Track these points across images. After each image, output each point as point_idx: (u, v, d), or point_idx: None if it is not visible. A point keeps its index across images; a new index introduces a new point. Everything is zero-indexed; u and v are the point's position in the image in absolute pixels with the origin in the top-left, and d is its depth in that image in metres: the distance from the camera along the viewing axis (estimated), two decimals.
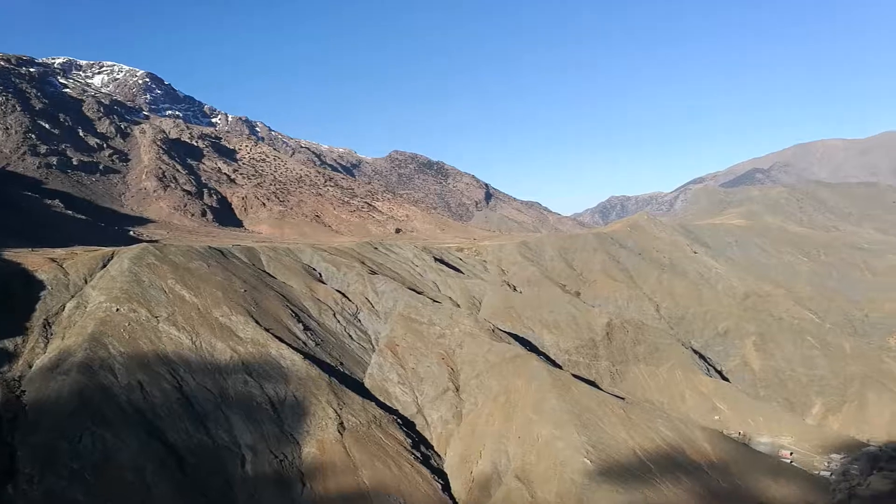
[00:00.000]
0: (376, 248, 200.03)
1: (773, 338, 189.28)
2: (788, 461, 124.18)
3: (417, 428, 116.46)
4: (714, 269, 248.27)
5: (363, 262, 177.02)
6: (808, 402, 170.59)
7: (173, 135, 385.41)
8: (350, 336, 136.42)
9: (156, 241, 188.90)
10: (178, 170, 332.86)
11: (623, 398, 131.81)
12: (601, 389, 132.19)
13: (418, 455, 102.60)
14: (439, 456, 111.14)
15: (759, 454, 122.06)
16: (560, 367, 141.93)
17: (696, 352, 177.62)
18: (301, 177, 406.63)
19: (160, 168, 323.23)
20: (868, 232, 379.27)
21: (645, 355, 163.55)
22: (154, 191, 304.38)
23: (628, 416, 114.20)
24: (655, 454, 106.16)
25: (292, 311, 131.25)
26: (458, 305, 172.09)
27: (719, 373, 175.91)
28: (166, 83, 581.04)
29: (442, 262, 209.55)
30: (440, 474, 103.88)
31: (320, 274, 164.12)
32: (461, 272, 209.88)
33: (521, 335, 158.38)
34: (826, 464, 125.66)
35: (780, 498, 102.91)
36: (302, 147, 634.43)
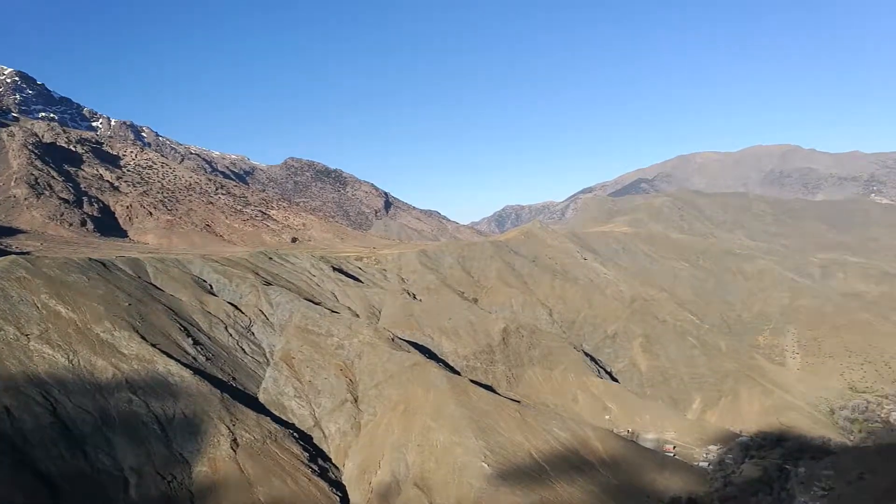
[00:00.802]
0: (271, 258, 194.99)
1: (658, 339, 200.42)
2: (672, 455, 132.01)
3: (315, 441, 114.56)
4: (603, 275, 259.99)
5: (257, 273, 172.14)
6: (689, 398, 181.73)
7: (47, 139, 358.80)
8: (243, 349, 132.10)
9: (27, 254, 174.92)
10: (53, 176, 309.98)
11: (519, 401, 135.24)
12: (498, 394, 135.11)
13: (315, 468, 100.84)
14: (337, 468, 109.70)
15: (646, 450, 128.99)
16: (459, 374, 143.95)
17: (587, 354, 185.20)
18: (191, 184, 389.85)
19: (32, 174, 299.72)
20: (740, 238, 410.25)
21: (539, 359, 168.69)
22: (25, 199, 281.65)
23: (524, 419, 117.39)
24: (551, 455, 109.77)
25: (181, 325, 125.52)
26: (358, 315, 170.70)
27: (609, 374, 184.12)
28: (39, 83, 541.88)
29: (340, 271, 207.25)
30: (338, 486, 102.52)
31: (211, 286, 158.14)
32: (360, 281, 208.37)
33: (420, 343, 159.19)
34: (704, 455, 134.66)
35: (666, 489, 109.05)
36: (192, 153, 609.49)
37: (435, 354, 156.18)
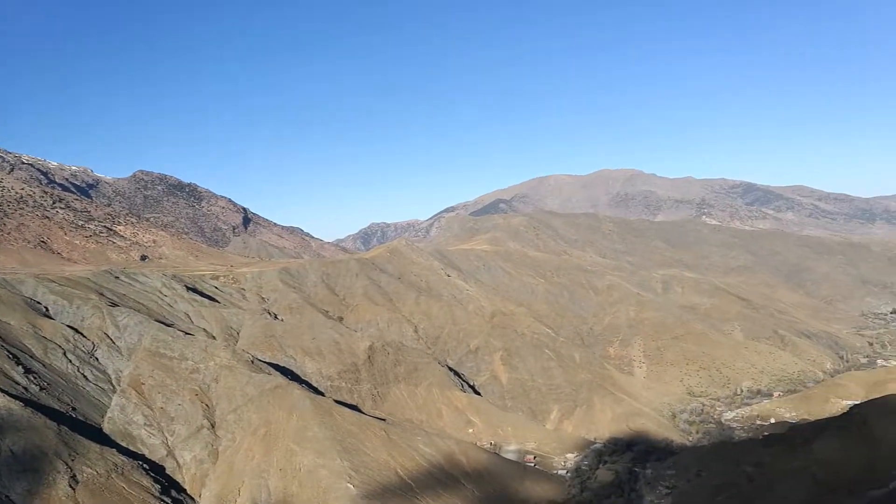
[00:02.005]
0: (118, 278, 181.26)
1: (517, 352, 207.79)
2: (533, 464, 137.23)
3: (168, 471, 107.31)
4: (465, 291, 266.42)
5: (102, 294, 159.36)
6: (547, 409, 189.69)
7: None
8: (85, 377, 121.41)
9: None
10: None
11: (385, 419, 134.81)
12: (364, 413, 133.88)
13: (168, 501, 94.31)
14: (193, 499, 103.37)
15: (509, 461, 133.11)
16: (323, 394, 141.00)
17: (451, 369, 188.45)
18: (22, 197, 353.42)
19: None
20: (591, 255, 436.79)
21: (405, 375, 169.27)
22: None
23: (389, 438, 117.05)
24: (416, 472, 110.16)
25: (9, 352, 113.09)
26: (214, 337, 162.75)
27: (472, 387, 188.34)
28: None
29: (195, 291, 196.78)
30: None
31: (47, 308, 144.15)
32: (217, 301, 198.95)
33: (282, 364, 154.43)
34: (563, 463, 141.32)
35: (528, 498, 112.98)
36: (24, 163, 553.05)
37: (298, 376, 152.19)
